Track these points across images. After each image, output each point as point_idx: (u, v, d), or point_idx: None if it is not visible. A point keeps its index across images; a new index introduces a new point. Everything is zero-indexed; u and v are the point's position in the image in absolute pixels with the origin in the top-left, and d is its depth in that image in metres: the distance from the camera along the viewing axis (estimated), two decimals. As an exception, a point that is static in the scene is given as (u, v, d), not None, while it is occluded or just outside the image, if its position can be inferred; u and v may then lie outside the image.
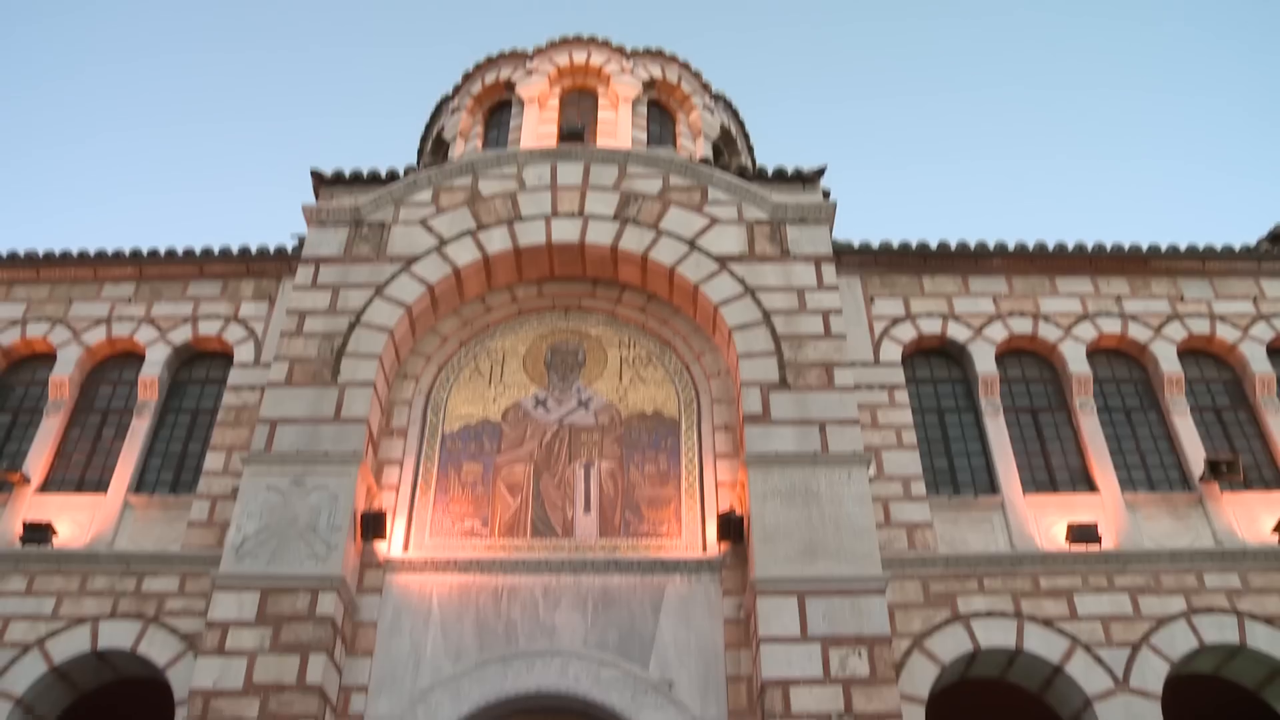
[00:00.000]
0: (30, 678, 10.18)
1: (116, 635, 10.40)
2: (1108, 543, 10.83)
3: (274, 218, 53.85)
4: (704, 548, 10.63)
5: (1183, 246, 13.11)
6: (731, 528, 10.30)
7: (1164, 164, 54.03)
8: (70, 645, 10.35)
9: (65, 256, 13.31)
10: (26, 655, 10.31)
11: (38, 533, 10.99)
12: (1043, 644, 10.14)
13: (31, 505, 11.45)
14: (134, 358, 12.84)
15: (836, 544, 9.86)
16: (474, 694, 9.70)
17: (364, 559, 10.55)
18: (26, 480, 11.55)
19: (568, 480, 11.21)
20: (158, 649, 10.29)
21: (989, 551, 10.70)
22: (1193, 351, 12.82)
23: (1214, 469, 11.28)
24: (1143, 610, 10.39)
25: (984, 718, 10.89)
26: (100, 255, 13.25)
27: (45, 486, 11.75)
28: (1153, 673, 10.03)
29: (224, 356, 12.79)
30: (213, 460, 11.39)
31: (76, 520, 11.26)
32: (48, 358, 12.92)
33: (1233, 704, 10.99)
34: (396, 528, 10.84)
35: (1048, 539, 10.92)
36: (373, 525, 10.46)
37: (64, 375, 12.48)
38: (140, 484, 11.70)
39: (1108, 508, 11.19)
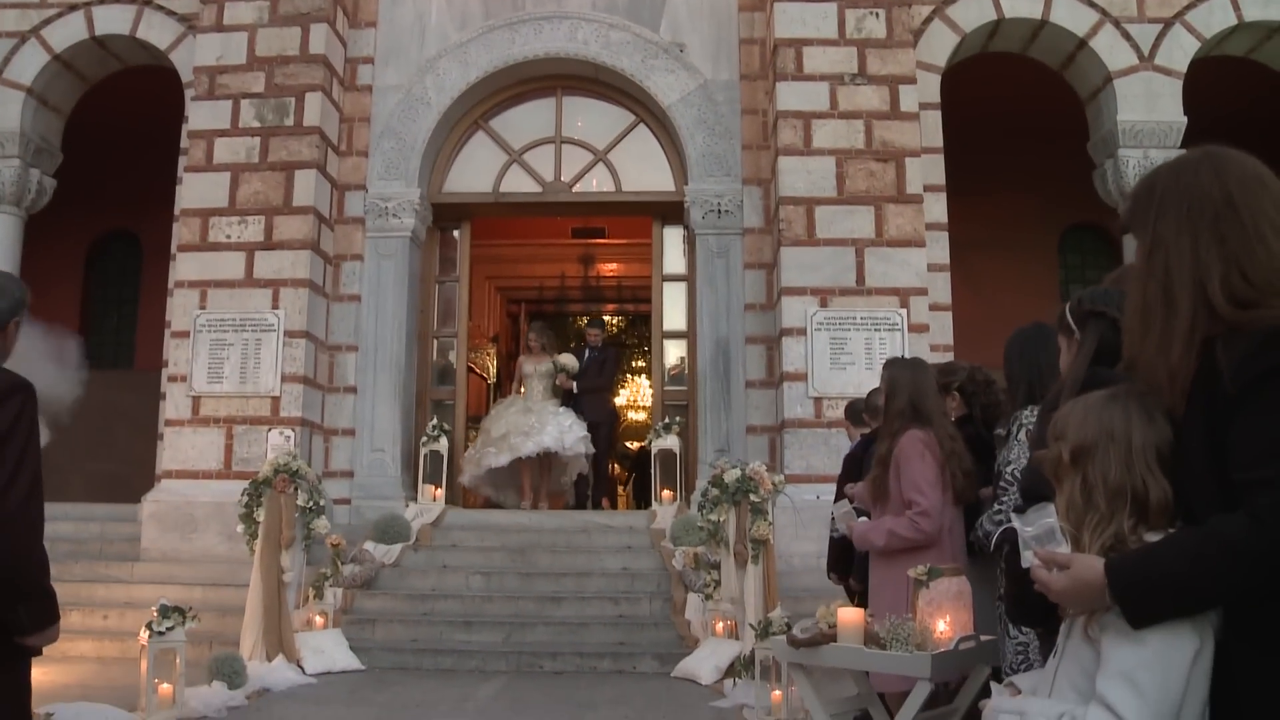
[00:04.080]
0: (35, 66, 10.08)
1: (112, 20, 10.14)
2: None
3: None
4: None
5: None
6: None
7: None
8: (67, 32, 10.13)
9: None
10: (25, 44, 10.14)
11: (5, -86, 10.28)
12: (1070, 15, 9.69)
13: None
14: None
15: (862, -100, 9.06)
16: (481, 60, 9.53)
17: (353, -78, 9.88)
18: None
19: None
20: (156, 31, 10.09)
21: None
22: None
23: None
24: (1183, -15, 9.83)
25: (1000, 94, 10.74)
26: None
27: None
28: (1180, 50, 9.69)
29: None
30: None
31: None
32: None
33: (1255, 88, 10.76)
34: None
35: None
36: (360, -116, 9.65)
37: None
38: None
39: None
